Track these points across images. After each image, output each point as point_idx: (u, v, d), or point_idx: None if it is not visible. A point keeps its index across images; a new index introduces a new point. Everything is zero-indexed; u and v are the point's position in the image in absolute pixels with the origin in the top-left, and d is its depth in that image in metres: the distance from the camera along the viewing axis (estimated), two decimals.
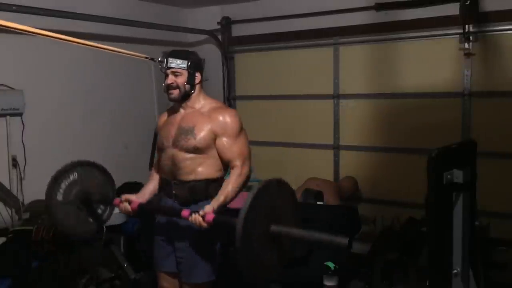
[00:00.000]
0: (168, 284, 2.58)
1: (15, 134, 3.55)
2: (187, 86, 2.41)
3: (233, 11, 4.95)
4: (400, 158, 4.25)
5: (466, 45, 3.84)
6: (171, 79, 2.40)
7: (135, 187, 4.12)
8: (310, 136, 4.70)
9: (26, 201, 3.55)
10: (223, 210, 2.30)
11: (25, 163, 3.60)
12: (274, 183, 2.03)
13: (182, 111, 2.49)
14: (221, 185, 2.43)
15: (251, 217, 1.89)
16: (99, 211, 2.67)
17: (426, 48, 4.08)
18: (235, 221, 1.89)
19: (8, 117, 3.49)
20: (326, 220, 3.33)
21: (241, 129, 2.44)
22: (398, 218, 3.83)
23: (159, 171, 2.59)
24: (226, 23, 4.99)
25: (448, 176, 1.77)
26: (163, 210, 2.50)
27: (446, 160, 1.77)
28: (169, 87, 2.41)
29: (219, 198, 2.29)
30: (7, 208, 3.50)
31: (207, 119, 2.40)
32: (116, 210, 2.72)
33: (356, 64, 4.42)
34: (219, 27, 5.00)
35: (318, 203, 3.81)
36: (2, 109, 3.41)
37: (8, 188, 3.49)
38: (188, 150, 2.38)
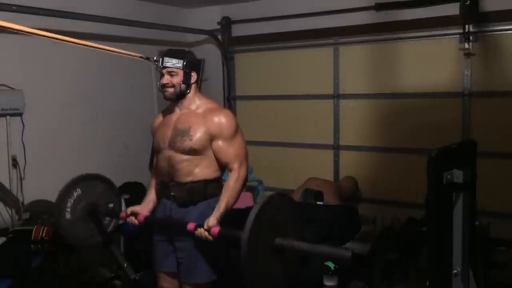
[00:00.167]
0: (168, 284, 2.58)
1: (15, 134, 3.56)
2: (183, 86, 2.40)
3: (233, 11, 4.95)
4: (400, 158, 4.25)
5: (466, 45, 3.85)
6: (166, 78, 2.39)
7: (135, 187, 4.15)
8: (310, 136, 4.70)
9: (26, 201, 3.55)
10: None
11: (25, 163, 3.60)
12: (277, 197, 2.07)
13: (177, 112, 2.47)
14: (219, 185, 2.44)
15: (256, 230, 1.91)
16: (105, 221, 2.81)
17: (426, 48, 4.08)
18: (240, 234, 1.90)
19: (8, 117, 3.49)
20: (326, 220, 3.33)
21: (237, 130, 2.42)
22: (398, 218, 3.83)
23: (157, 173, 2.59)
24: (226, 23, 4.99)
25: (448, 176, 1.77)
26: (169, 223, 2.50)
27: (446, 160, 1.77)
28: (164, 86, 2.41)
29: (220, 207, 2.29)
30: (7, 208, 3.50)
31: (202, 120, 2.38)
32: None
33: (356, 64, 4.42)
34: (219, 27, 5.00)
35: (318, 203, 3.82)
36: (2, 109, 3.42)
37: (8, 188, 3.49)
38: (184, 152, 2.38)
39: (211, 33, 5.01)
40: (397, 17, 4.12)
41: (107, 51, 2.03)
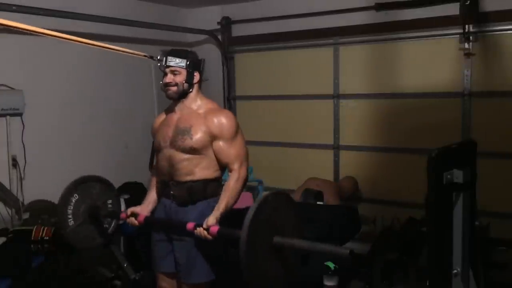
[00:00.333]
0: (166, 284, 2.58)
1: (15, 134, 3.55)
2: (186, 85, 2.41)
3: (233, 11, 4.95)
4: (400, 158, 4.25)
5: (466, 45, 3.85)
6: (169, 77, 2.40)
7: (135, 187, 4.15)
8: (310, 136, 4.70)
9: (26, 201, 3.55)
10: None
11: (25, 163, 3.60)
12: (275, 196, 2.08)
13: (178, 111, 2.48)
14: (219, 185, 2.45)
15: (254, 228, 1.92)
16: (106, 224, 2.82)
17: (426, 48, 4.08)
18: (239, 233, 1.91)
19: (8, 117, 3.49)
20: (326, 220, 3.33)
21: (237, 131, 2.43)
22: (398, 218, 3.83)
23: (157, 172, 2.60)
24: (226, 23, 4.99)
25: (448, 176, 1.77)
26: (168, 223, 2.51)
27: (446, 160, 1.77)
28: (167, 85, 2.41)
29: (220, 207, 2.29)
30: (7, 208, 3.50)
31: (203, 121, 2.39)
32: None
33: (356, 64, 4.42)
34: (219, 27, 5.00)
35: (318, 203, 3.81)
36: (2, 109, 3.42)
37: (8, 188, 3.49)
38: (184, 151, 2.38)
39: (211, 33, 5.01)
40: (397, 17, 4.12)
41: (112, 50, 2.03)
